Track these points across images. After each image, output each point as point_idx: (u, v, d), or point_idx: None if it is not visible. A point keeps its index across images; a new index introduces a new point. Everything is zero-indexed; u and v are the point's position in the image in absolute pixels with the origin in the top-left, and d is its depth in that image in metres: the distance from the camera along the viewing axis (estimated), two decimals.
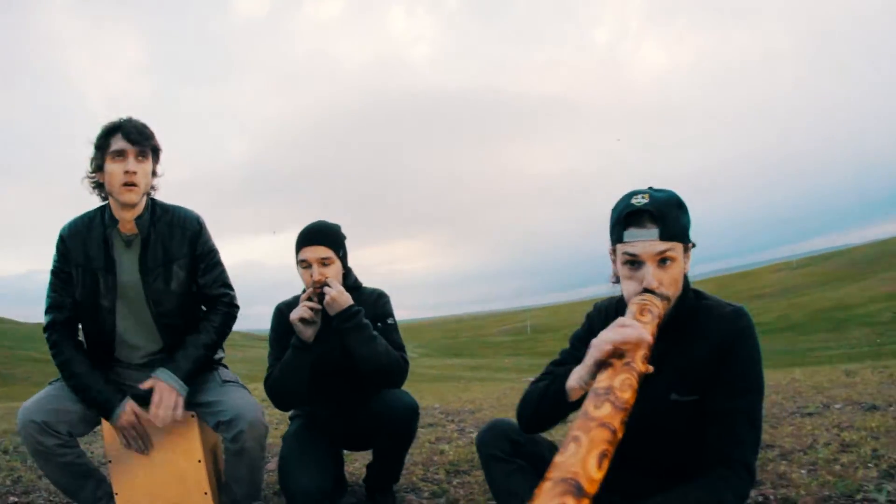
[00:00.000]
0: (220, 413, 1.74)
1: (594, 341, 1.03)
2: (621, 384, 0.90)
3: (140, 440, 1.76)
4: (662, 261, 1.11)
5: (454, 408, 4.54)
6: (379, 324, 1.91)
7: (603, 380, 0.93)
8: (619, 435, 0.83)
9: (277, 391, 1.89)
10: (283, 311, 2.00)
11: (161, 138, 1.81)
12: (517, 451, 1.36)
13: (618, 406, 0.82)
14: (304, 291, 1.93)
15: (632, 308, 1.07)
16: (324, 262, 1.85)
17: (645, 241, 1.11)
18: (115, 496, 1.81)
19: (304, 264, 1.86)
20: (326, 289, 1.79)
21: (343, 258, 1.94)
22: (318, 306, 1.80)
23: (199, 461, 1.84)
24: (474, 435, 2.61)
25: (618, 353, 0.98)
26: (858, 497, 1.75)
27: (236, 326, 2.00)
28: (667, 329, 1.13)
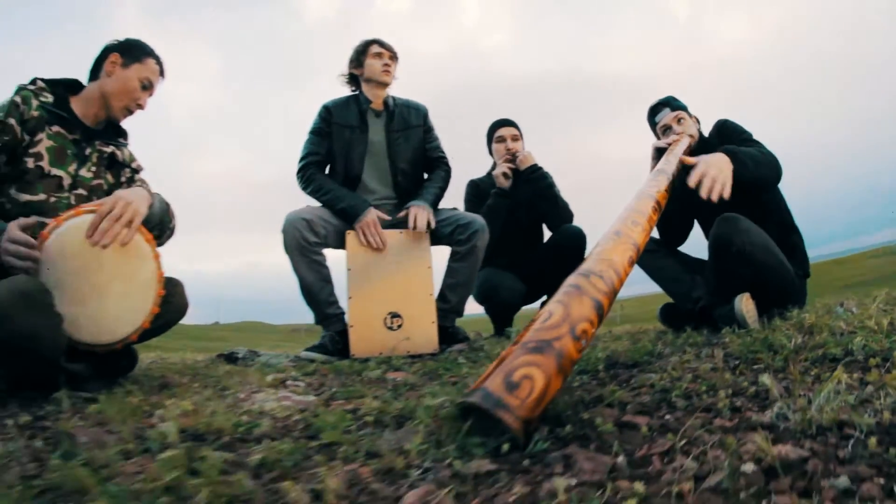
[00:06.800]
0: (459, 219, 2.24)
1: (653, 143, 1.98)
2: (665, 162, 1.72)
3: (377, 237, 2.14)
4: (679, 121, 2.13)
5: None
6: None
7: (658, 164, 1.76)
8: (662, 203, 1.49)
9: None
10: (477, 185, 2.81)
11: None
12: (660, 245, 2.14)
13: (658, 173, 1.61)
14: (493, 168, 2.78)
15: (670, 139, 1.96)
16: (514, 138, 2.73)
17: (664, 115, 2.15)
18: (349, 300, 2.09)
19: (499, 139, 2.73)
20: (518, 153, 2.64)
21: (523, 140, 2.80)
22: (511, 169, 2.59)
23: (429, 267, 2.15)
24: None
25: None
26: None
27: None
28: (699, 155, 1.79)
